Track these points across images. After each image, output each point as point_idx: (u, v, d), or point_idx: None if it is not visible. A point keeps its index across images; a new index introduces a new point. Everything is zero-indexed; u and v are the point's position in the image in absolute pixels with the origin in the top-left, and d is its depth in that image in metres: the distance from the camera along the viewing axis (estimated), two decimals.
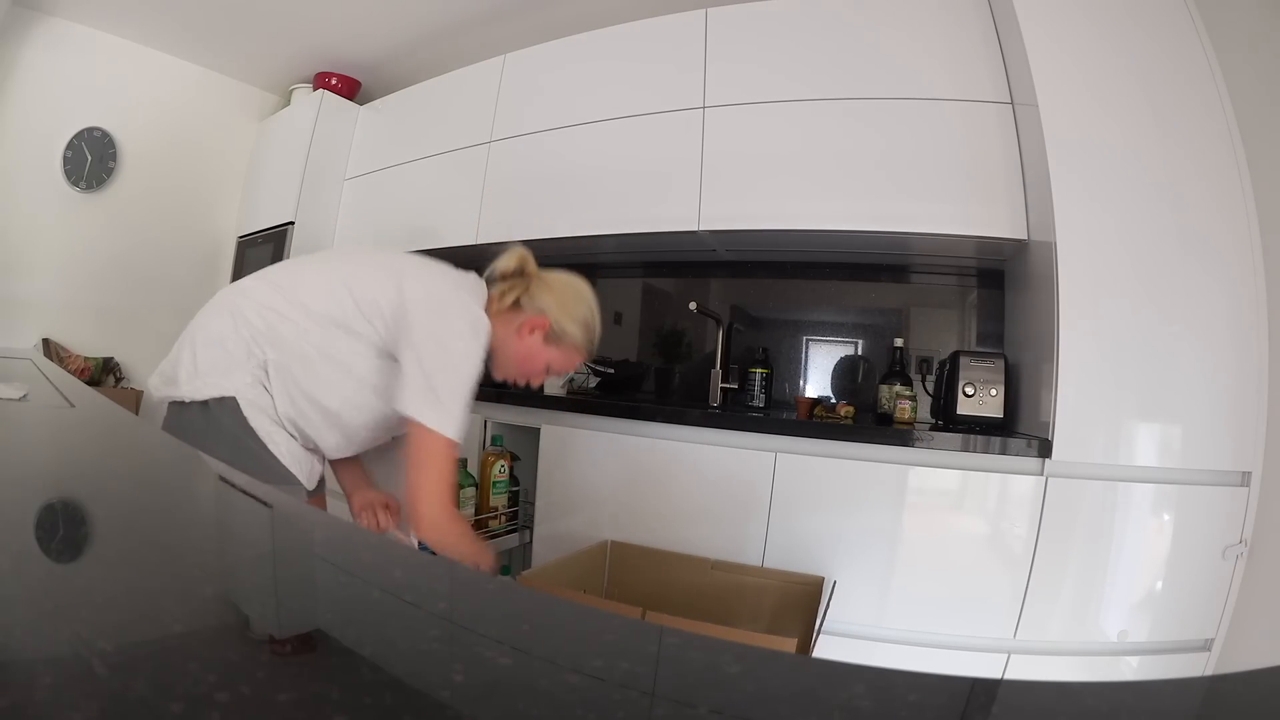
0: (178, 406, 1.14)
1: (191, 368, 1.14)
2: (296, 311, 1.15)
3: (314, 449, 1.23)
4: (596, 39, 2.34)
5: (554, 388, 2.17)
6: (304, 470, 1.20)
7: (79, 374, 2.79)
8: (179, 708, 0.18)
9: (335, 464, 1.40)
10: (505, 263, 1.25)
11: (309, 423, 1.18)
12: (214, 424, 1.11)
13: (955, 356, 1.71)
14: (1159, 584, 1.43)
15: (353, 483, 1.45)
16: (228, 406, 1.12)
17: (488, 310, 1.20)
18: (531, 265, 1.26)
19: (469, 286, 1.21)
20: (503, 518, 1.86)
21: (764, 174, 1.98)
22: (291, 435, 1.19)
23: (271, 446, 1.14)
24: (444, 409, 1.08)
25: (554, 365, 1.28)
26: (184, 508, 0.48)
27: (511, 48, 2.58)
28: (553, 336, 1.24)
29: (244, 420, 1.12)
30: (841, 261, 2.22)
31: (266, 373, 1.15)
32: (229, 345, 1.14)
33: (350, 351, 1.15)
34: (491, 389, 2.14)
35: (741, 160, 2.01)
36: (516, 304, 1.24)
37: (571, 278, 1.29)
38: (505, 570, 2.01)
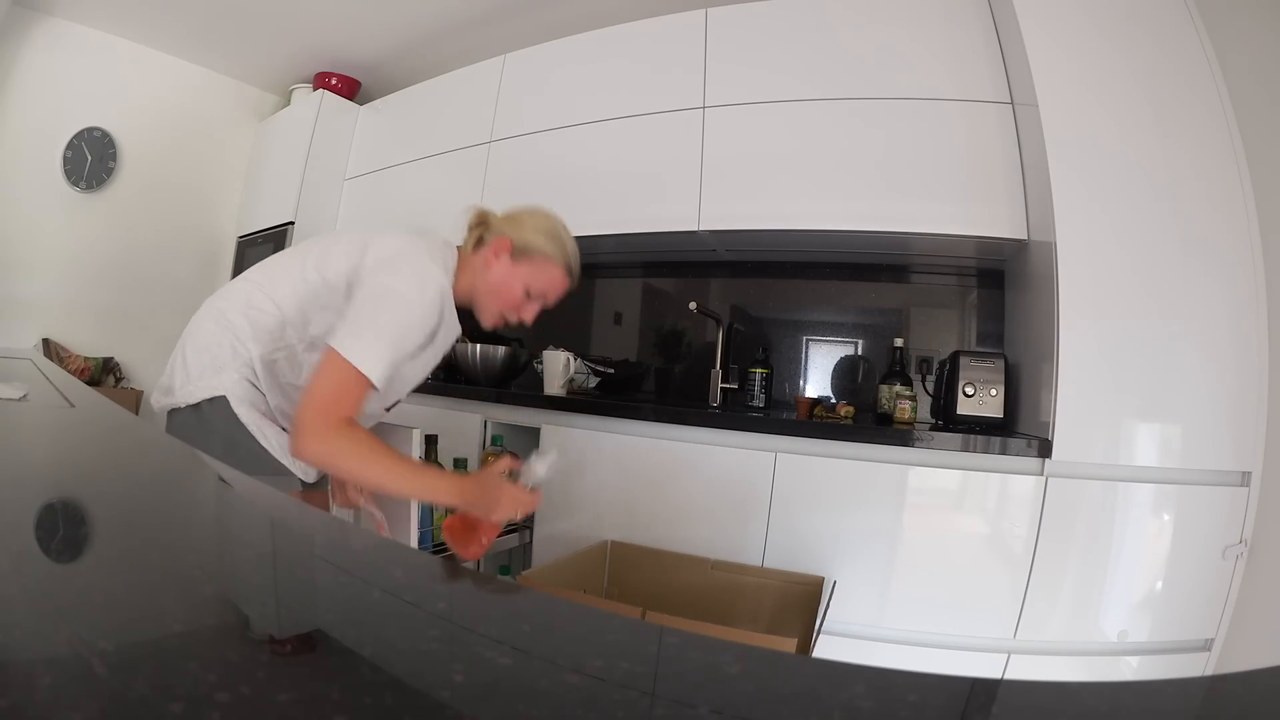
0: (173, 413, 1.18)
1: (184, 374, 1.18)
2: (273, 305, 1.17)
3: None
4: (596, 39, 2.34)
5: (554, 388, 2.17)
6: (298, 462, 1.19)
7: (79, 374, 2.79)
8: (179, 708, 0.18)
9: None
10: (465, 219, 1.29)
11: None
12: (205, 422, 1.13)
13: (955, 356, 1.71)
14: (1159, 584, 1.42)
15: None
16: (218, 405, 1.14)
17: (459, 265, 1.23)
18: (491, 214, 1.28)
19: (433, 248, 1.21)
20: None
21: (764, 174, 1.98)
22: (283, 429, 1.20)
23: (262, 440, 1.16)
24: (364, 342, 1.02)
25: (533, 286, 1.23)
26: (184, 508, 0.48)
27: (511, 48, 2.58)
28: (519, 252, 1.22)
29: (234, 416, 1.14)
30: (841, 261, 2.22)
31: (254, 370, 1.17)
32: (215, 348, 1.17)
33: (329, 331, 1.11)
34: (491, 389, 2.14)
35: (741, 160, 2.01)
36: (480, 242, 1.25)
37: (530, 204, 1.29)
38: (504, 570, 2.01)
